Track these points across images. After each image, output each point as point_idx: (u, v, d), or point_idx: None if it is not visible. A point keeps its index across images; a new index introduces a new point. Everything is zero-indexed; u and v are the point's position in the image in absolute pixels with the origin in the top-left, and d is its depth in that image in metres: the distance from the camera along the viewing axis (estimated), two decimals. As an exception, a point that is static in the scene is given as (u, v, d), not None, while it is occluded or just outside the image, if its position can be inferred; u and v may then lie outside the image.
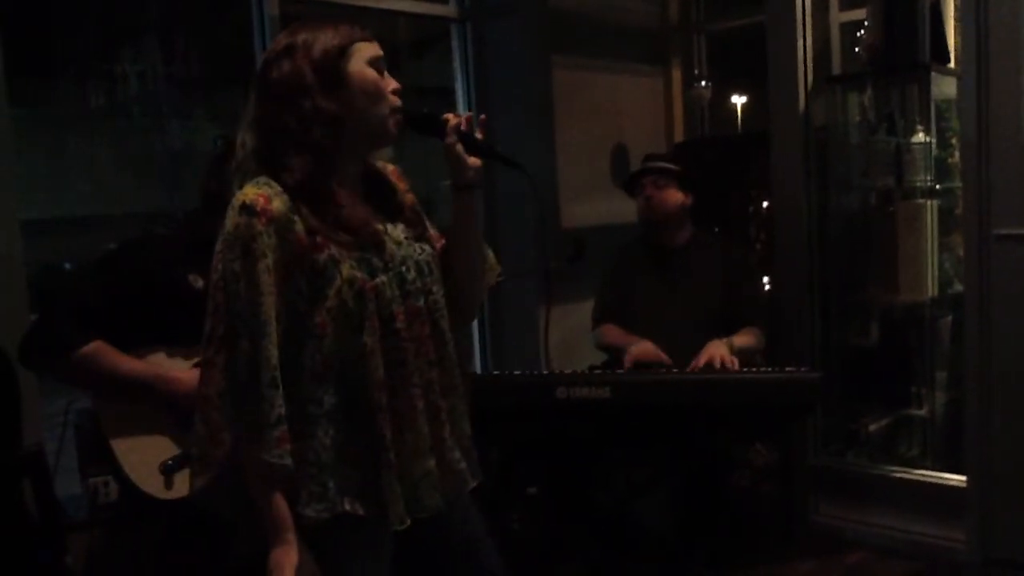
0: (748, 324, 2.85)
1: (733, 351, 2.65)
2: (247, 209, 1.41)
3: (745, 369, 2.62)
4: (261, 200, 1.41)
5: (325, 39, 1.49)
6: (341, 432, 1.46)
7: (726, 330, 2.78)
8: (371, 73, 1.51)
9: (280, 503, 1.41)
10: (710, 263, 2.95)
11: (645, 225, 3.03)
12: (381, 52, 1.54)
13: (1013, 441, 2.83)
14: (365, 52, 1.51)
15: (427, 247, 1.59)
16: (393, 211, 1.59)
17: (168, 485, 1.94)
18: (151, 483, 1.93)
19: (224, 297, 1.40)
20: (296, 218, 1.43)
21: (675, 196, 2.96)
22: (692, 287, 2.91)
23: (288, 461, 1.39)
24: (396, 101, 1.53)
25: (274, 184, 1.44)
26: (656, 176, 2.97)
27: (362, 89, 1.50)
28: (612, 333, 2.98)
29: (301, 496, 1.43)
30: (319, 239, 1.44)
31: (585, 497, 2.81)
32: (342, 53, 1.49)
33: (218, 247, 1.42)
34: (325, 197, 1.48)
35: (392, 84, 1.53)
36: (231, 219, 1.42)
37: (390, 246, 1.52)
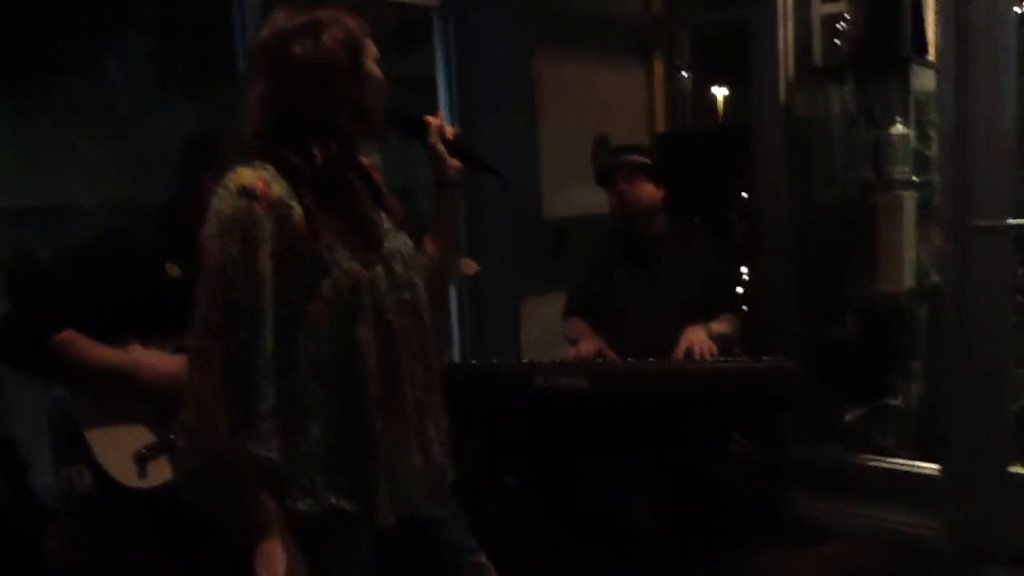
0: (724, 311, 2.86)
1: (711, 337, 2.66)
2: (247, 192, 1.36)
3: (724, 359, 2.63)
4: (260, 184, 1.37)
5: (349, 24, 1.47)
6: (331, 425, 1.43)
7: (703, 319, 2.78)
8: (378, 71, 1.51)
9: (267, 497, 1.38)
10: (685, 252, 2.95)
11: (618, 219, 3.03)
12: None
13: (987, 430, 2.86)
14: (372, 49, 1.51)
15: (409, 240, 1.58)
16: (378, 202, 1.58)
17: (142, 474, 1.93)
18: (125, 472, 1.92)
19: (223, 284, 1.35)
20: (294, 204, 1.39)
21: (647, 190, 2.94)
22: (667, 277, 2.91)
23: (275, 455, 1.36)
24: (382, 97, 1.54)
25: (270, 167, 1.39)
26: (628, 171, 2.96)
27: (372, 84, 1.49)
28: (575, 327, 2.98)
29: (291, 490, 1.40)
30: (317, 228, 1.41)
31: (563, 487, 2.81)
32: (362, 43, 1.48)
33: (211, 230, 1.37)
34: (343, 186, 1.46)
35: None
36: (227, 202, 1.36)
37: (380, 236, 1.51)
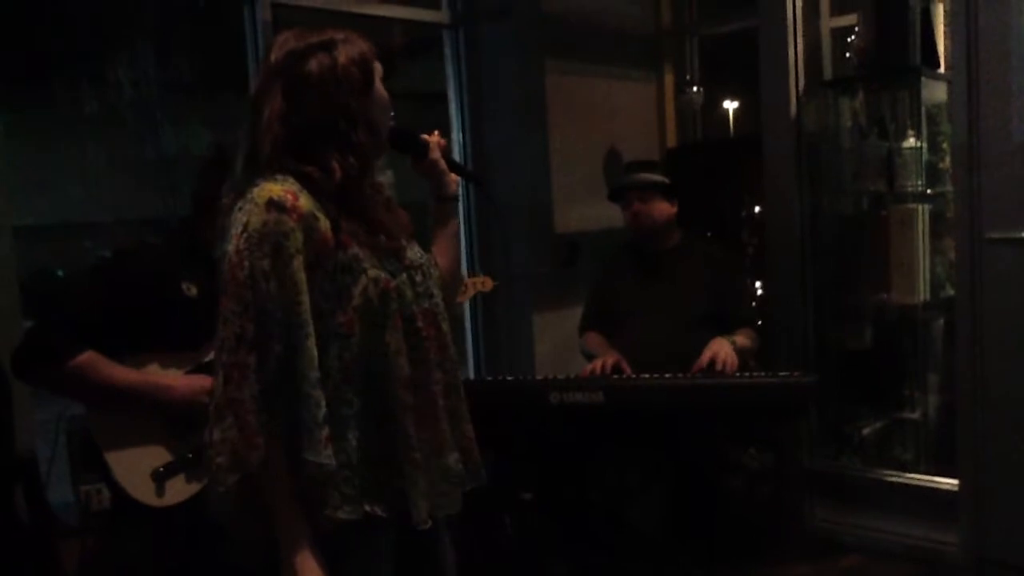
0: (742, 325, 2.86)
1: (736, 350, 2.65)
2: (277, 205, 1.37)
3: (739, 373, 2.62)
4: (290, 197, 1.38)
5: (360, 44, 1.50)
6: (367, 432, 1.45)
7: (718, 332, 2.78)
8: (383, 90, 1.54)
9: (298, 508, 1.39)
10: (699, 266, 2.95)
11: (634, 235, 3.04)
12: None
13: (1005, 444, 2.84)
14: (380, 69, 1.54)
15: (424, 252, 1.60)
16: (399, 215, 1.61)
17: (160, 492, 1.94)
18: (143, 491, 1.93)
19: (255, 297, 1.36)
20: (320, 216, 1.41)
21: (661, 207, 2.97)
22: (681, 291, 2.92)
23: (333, 463, 1.38)
24: (391, 122, 1.58)
25: (292, 180, 1.41)
26: (641, 191, 2.98)
27: (380, 104, 1.53)
28: (592, 341, 3.00)
29: (331, 498, 1.40)
30: (343, 237, 1.43)
31: (579, 501, 2.81)
32: (372, 62, 1.52)
33: (240, 244, 1.37)
34: (364, 200, 1.49)
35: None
36: (256, 215, 1.37)
37: (402, 246, 1.54)
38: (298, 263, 1.38)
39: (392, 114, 1.60)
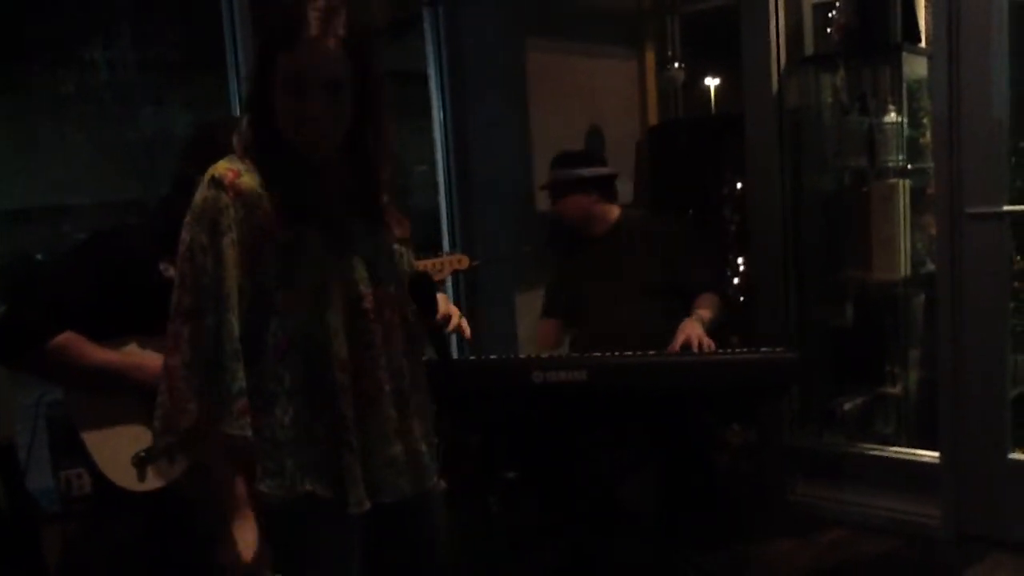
0: (701, 291, 2.81)
1: (706, 327, 2.64)
2: (216, 183, 1.41)
3: (721, 350, 2.62)
4: (230, 175, 1.42)
5: (272, 24, 1.45)
6: (303, 411, 1.45)
7: (679, 303, 2.76)
8: (283, 101, 1.42)
9: (238, 478, 1.41)
10: (643, 240, 2.93)
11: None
12: (306, 60, 1.39)
13: (985, 418, 2.87)
14: (285, 67, 1.40)
15: (401, 245, 1.59)
16: (371, 204, 1.56)
17: (141, 477, 1.93)
18: (123, 475, 1.92)
19: (191, 269, 1.41)
20: (265, 194, 1.43)
21: (577, 202, 2.97)
22: (630, 268, 2.89)
23: (249, 432, 1.40)
24: (296, 126, 1.43)
25: (248, 161, 1.45)
26: (558, 187, 2.99)
27: (279, 111, 1.44)
28: (541, 334, 3.08)
29: (257, 471, 1.43)
30: (289, 218, 1.44)
31: (563, 480, 2.82)
32: (268, 58, 1.43)
33: (187, 219, 1.43)
34: (317, 183, 1.48)
35: (310, 108, 1.41)
36: (200, 192, 1.43)
37: (358, 230, 1.51)
38: (228, 240, 1.40)
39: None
